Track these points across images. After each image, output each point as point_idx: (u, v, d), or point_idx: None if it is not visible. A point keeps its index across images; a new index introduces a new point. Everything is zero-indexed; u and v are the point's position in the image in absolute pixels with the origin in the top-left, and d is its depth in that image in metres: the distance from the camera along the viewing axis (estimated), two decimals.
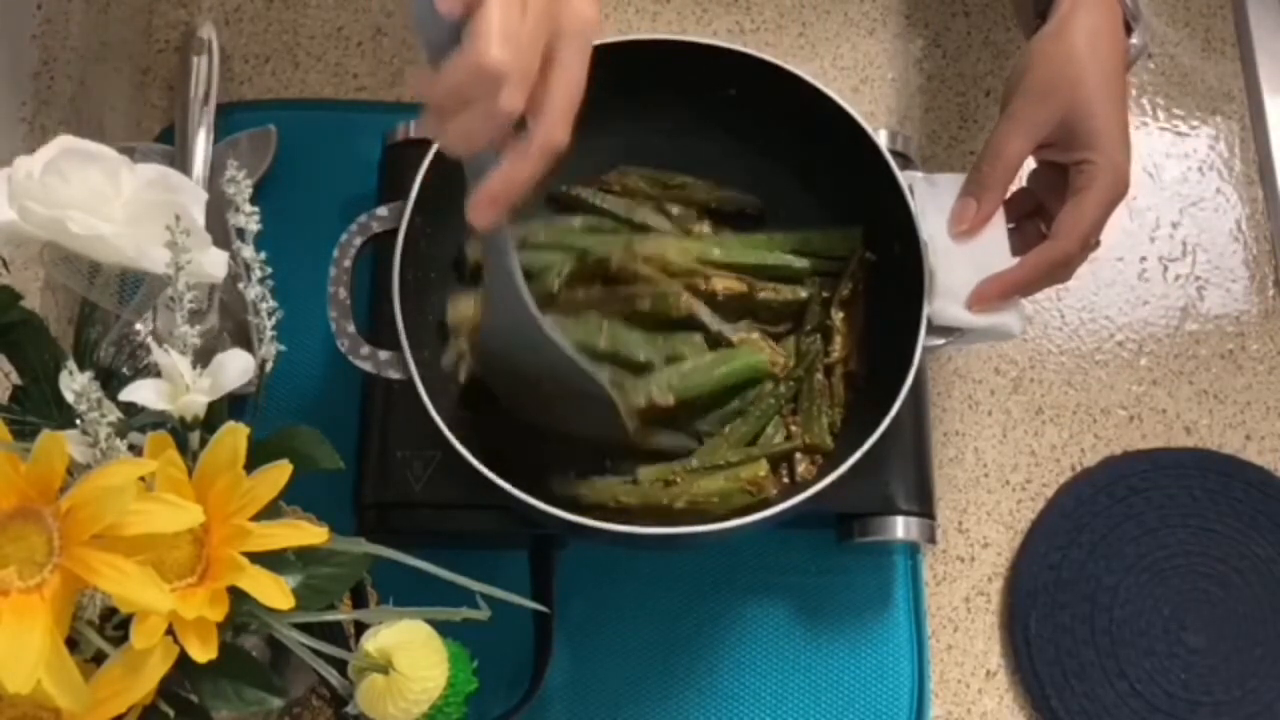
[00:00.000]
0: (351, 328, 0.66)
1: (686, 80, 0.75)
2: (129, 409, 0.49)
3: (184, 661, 0.44)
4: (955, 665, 0.78)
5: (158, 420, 0.49)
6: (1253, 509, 0.81)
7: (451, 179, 0.66)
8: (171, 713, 0.48)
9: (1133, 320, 0.87)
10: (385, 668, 0.49)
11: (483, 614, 0.51)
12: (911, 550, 0.78)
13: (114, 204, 0.52)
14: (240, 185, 0.52)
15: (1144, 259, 0.88)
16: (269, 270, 0.53)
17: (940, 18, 0.93)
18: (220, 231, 0.54)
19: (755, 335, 0.74)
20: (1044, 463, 0.82)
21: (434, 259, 0.73)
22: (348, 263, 0.68)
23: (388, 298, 0.66)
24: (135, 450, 0.48)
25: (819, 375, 0.73)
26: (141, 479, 0.44)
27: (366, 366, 0.65)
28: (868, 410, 0.67)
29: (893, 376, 0.66)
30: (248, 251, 0.52)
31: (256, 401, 0.54)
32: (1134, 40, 0.70)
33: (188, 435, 0.49)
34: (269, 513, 0.47)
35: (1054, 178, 0.69)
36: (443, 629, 0.52)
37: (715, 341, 0.73)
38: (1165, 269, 0.88)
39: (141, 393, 0.48)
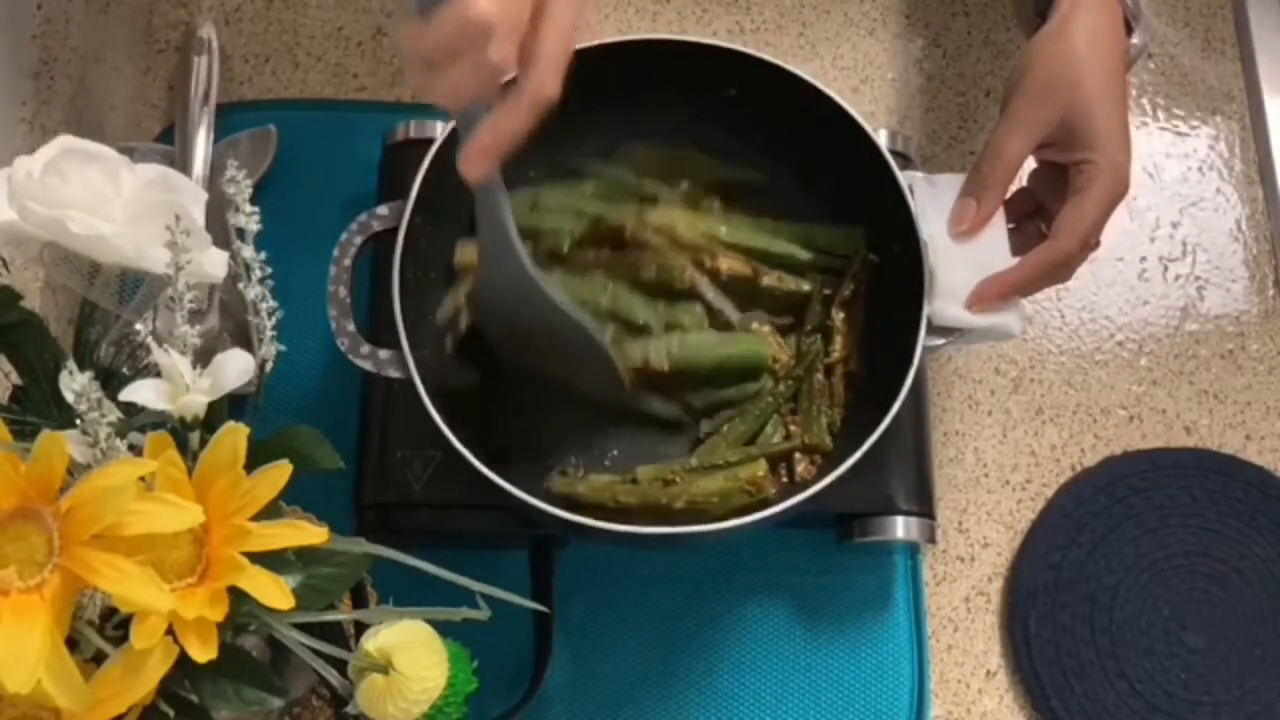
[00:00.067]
0: (351, 326, 0.66)
1: (686, 80, 0.75)
2: (129, 409, 0.49)
3: (184, 661, 0.44)
4: (955, 665, 0.78)
5: (158, 420, 0.49)
6: (1253, 509, 0.81)
7: (452, 179, 0.66)
8: (171, 713, 0.48)
9: (1133, 320, 0.87)
10: (385, 668, 0.49)
11: (483, 614, 0.51)
12: (911, 550, 0.78)
13: (114, 204, 0.52)
14: (240, 185, 0.52)
15: (1144, 259, 0.88)
16: (269, 270, 0.53)
17: (940, 18, 0.93)
18: (220, 231, 0.54)
19: (766, 329, 0.74)
20: (1044, 463, 0.82)
21: (434, 258, 0.73)
22: (348, 261, 0.68)
23: (388, 297, 0.66)
24: (135, 450, 0.48)
25: (818, 375, 0.73)
26: (141, 479, 0.44)
27: (366, 365, 0.65)
28: (867, 410, 0.67)
29: (892, 376, 0.66)
30: (248, 251, 0.52)
31: (256, 401, 0.54)
32: (1134, 40, 0.70)
33: (188, 435, 0.49)
34: (269, 513, 0.47)
35: (1054, 178, 0.69)
36: (443, 629, 0.52)
37: (715, 318, 0.74)
38: (1165, 269, 0.88)
39: (141, 393, 0.48)
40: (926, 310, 0.68)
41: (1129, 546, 0.80)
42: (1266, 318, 0.87)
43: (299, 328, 0.61)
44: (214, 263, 0.54)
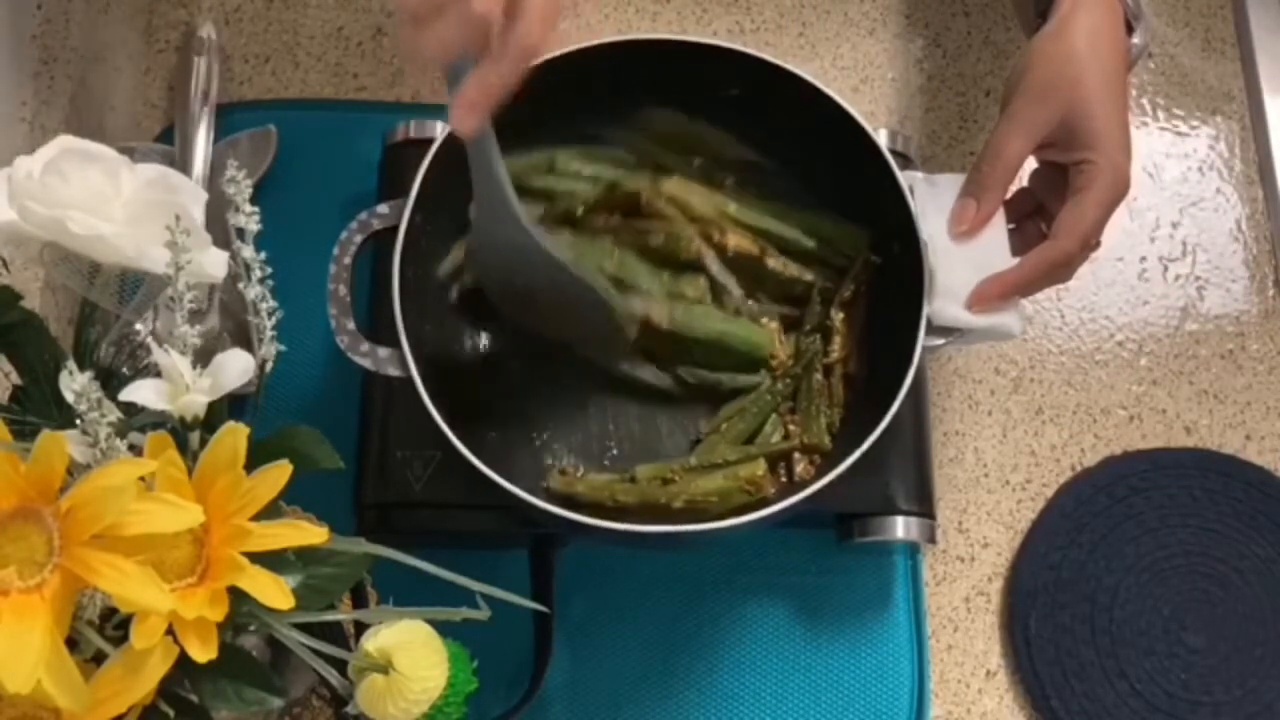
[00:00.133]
0: (351, 324, 0.66)
1: (686, 80, 0.75)
2: (129, 409, 0.49)
3: (184, 661, 0.44)
4: (955, 665, 0.78)
5: (158, 420, 0.49)
6: (1253, 509, 0.81)
7: (452, 178, 0.66)
8: (171, 713, 0.48)
9: (1133, 320, 0.87)
10: (385, 668, 0.49)
11: (483, 614, 0.51)
12: (911, 550, 0.78)
13: (114, 204, 0.52)
14: (240, 185, 0.52)
15: (1144, 259, 0.88)
16: (269, 270, 0.53)
17: (940, 18, 0.93)
18: (220, 231, 0.54)
19: (773, 325, 0.74)
20: (1044, 463, 0.82)
21: (434, 257, 0.73)
22: (348, 260, 0.68)
23: (388, 296, 0.66)
24: (135, 450, 0.48)
25: (817, 375, 0.73)
26: (141, 479, 0.44)
27: (366, 363, 0.65)
28: (867, 410, 0.67)
29: (892, 376, 0.66)
30: (248, 251, 0.52)
31: (256, 401, 0.54)
32: (1135, 40, 0.70)
33: (188, 435, 0.49)
34: (269, 513, 0.47)
35: (1054, 178, 0.69)
36: (443, 629, 0.52)
37: (718, 295, 0.74)
38: (1165, 269, 0.88)
39: (141, 393, 0.48)
40: (926, 310, 0.67)
41: (1129, 546, 0.80)
42: (1266, 318, 0.87)
43: (299, 328, 0.61)
44: (214, 263, 0.54)
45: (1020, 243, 0.69)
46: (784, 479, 0.72)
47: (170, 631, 0.44)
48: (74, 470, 0.45)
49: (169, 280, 0.50)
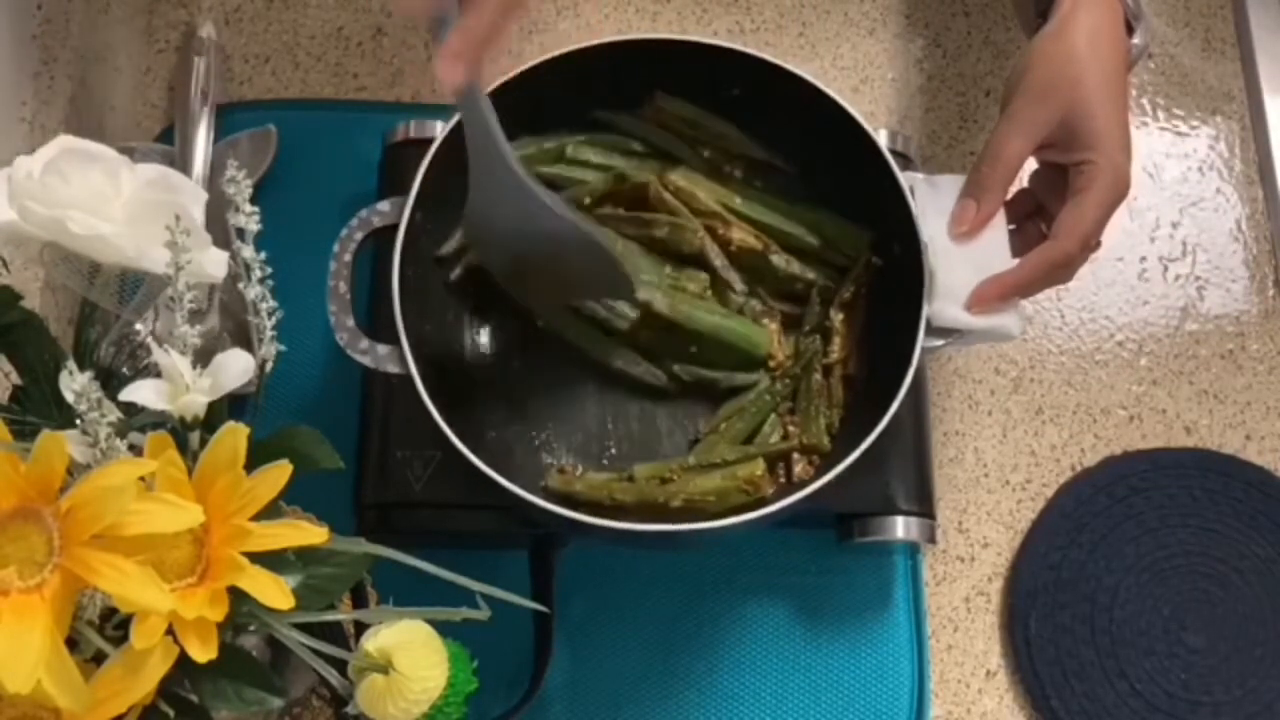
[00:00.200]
0: (351, 322, 0.66)
1: (686, 80, 0.75)
2: (129, 409, 0.49)
3: (184, 661, 0.44)
4: (955, 665, 0.78)
5: (158, 420, 0.49)
6: (1253, 509, 0.81)
7: (452, 177, 0.66)
8: (171, 713, 0.48)
9: (1133, 320, 0.87)
10: (385, 668, 0.49)
11: (483, 614, 0.51)
12: (911, 550, 0.78)
13: (114, 204, 0.52)
14: (240, 185, 0.52)
15: (1144, 259, 0.88)
16: (269, 270, 0.53)
17: (940, 18, 0.93)
18: (220, 231, 0.54)
19: (774, 326, 0.74)
20: (1044, 463, 0.82)
21: (434, 256, 0.73)
22: (348, 257, 0.68)
23: (387, 294, 0.66)
24: (135, 450, 0.48)
25: (816, 375, 0.73)
26: (141, 479, 0.44)
27: (365, 361, 0.65)
28: (866, 411, 0.67)
29: (892, 377, 0.66)
30: (248, 251, 0.52)
31: (256, 401, 0.54)
32: (1135, 40, 0.70)
33: (188, 435, 0.49)
34: (269, 513, 0.47)
35: (1054, 178, 0.69)
36: (443, 629, 0.52)
37: (719, 292, 0.74)
38: (1165, 269, 0.88)
39: (141, 393, 0.48)
40: (926, 311, 0.67)
41: (1129, 546, 0.80)
42: (1266, 318, 0.87)
43: (299, 327, 0.61)
44: (214, 263, 0.54)
45: (1020, 243, 0.69)
46: (783, 479, 0.72)
47: (170, 631, 0.44)
48: (74, 470, 0.45)
49: (169, 280, 0.50)
